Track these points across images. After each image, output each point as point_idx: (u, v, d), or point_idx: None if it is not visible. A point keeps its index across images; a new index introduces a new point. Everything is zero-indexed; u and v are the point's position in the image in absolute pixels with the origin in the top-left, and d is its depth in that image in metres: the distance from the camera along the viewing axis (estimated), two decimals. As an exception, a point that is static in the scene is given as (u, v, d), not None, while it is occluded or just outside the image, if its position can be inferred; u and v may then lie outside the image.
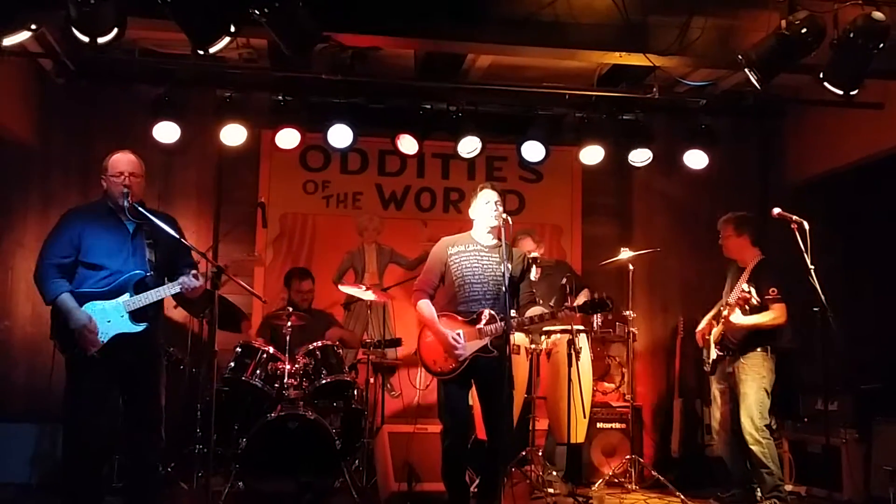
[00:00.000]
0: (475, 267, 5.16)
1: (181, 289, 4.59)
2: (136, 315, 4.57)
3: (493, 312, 5.03)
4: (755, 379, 5.84)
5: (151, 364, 4.71)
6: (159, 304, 4.71)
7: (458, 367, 5.02)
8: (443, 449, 5.14)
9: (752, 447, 5.79)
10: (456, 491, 5.16)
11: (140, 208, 4.62)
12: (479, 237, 5.27)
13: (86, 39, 4.73)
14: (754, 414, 5.79)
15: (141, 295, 4.57)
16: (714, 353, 6.11)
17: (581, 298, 6.05)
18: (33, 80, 7.00)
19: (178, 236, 4.66)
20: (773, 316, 5.83)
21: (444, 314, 5.15)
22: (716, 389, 6.16)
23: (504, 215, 5.04)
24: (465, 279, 5.14)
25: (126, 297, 4.57)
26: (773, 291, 5.84)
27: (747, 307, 5.83)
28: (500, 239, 5.07)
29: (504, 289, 4.96)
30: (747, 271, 6.06)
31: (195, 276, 4.63)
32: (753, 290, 5.82)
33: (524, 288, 5.28)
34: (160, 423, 4.74)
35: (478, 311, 5.06)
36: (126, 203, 4.60)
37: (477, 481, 5.68)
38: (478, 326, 5.02)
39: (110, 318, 4.53)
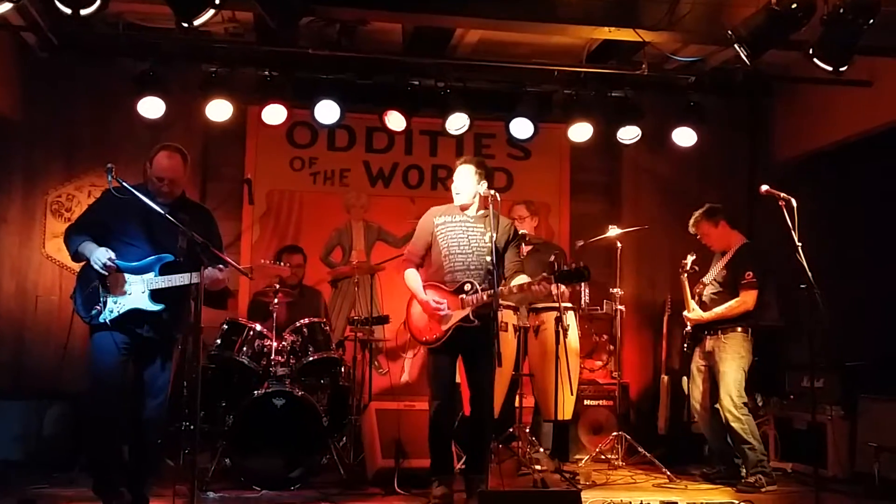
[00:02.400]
0: (460, 238, 5.21)
1: (206, 279, 4.60)
2: (155, 295, 4.67)
3: (473, 282, 5.10)
4: (734, 358, 5.93)
5: (163, 345, 4.83)
6: (184, 291, 4.73)
7: (442, 335, 5.11)
8: (429, 417, 5.23)
9: (732, 424, 5.89)
10: (440, 459, 5.24)
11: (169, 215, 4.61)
12: (461, 206, 5.31)
13: (68, 11, 4.71)
14: (733, 392, 5.89)
15: (164, 276, 4.67)
16: (688, 327, 6.25)
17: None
18: (16, 54, 6.92)
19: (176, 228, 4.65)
20: (740, 301, 5.96)
21: (430, 284, 5.23)
22: (695, 367, 6.23)
23: (492, 191, 5.06)
24: (450, 250, 5.20)
25: (151, 275, 4.68)
26: (748, 275, 5.96)
27: (700, 295, 6.13)
28: (486, 209, 5.12)
29: (490, 259, 5.02)
30: (728, 255, 6.12)
31: (220, 270, 4.71)
32: (712, 283, 6.11)
33: (510, 258, 5.29)
34: (164, 402, 4.85)
35: (461, 281, 5.13)
36: (163, 200, 4.73)
37: (465, 457, 5.71)
38: (461, 297, 5.10)
39: (131, 291, 4.65)
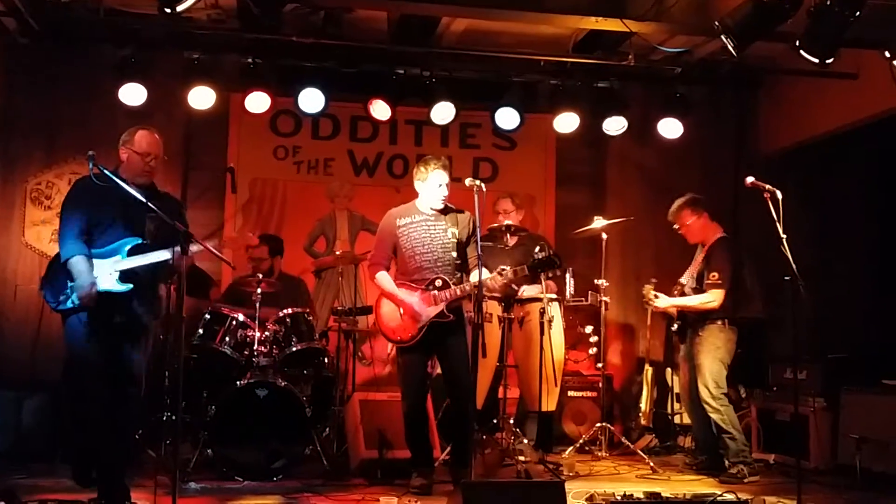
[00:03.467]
0: (424, 237, 5.30)
1: (169, 257, 4.65)
2: (123, 276, 4.68)
3: (444, 278, 5.20)
4: (710, 350, 5.98)
5: (135, 332, 4.81)
6: (153, 277, 4.80)
7: (416, 333, 5.19)
8: (403, 416, 5.33)
9: (712, 415, 5.96)
10: (419, 453, 5.34)
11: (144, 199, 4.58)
12: (424, 208, 5.37)
13: (49, -4, 4.62)
14: (710, 384, 5.94)
15: (131, 258, 4.69)
16: (675, 326, 6.28)
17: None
18: (-5, 40, 6.82)
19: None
20: (705, 300, 5.98)
21: (399, 283, 5.32)
22: (679, 358, 6.28)
23: (477, 182, 5.04)
24: (414, 250, 5.28)
25: (118, 258, 4.69)
26: (713, 276, 5.99)
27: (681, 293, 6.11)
28: (447, 206, 5.34)
29: (453, 254, 5.23)
30: (704, 249, 6.11)
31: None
32: (689, 279, 6.07)
33: (471, 252, 5.33)
34: (140, 386, 4.82)
35: (430, 278, 5.21)
36: (144, 181, 4.75)
37: (448, 448, 5.70)
38: (432, 293, 5.18)
39: (99, 275, 4.65)
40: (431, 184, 5.32)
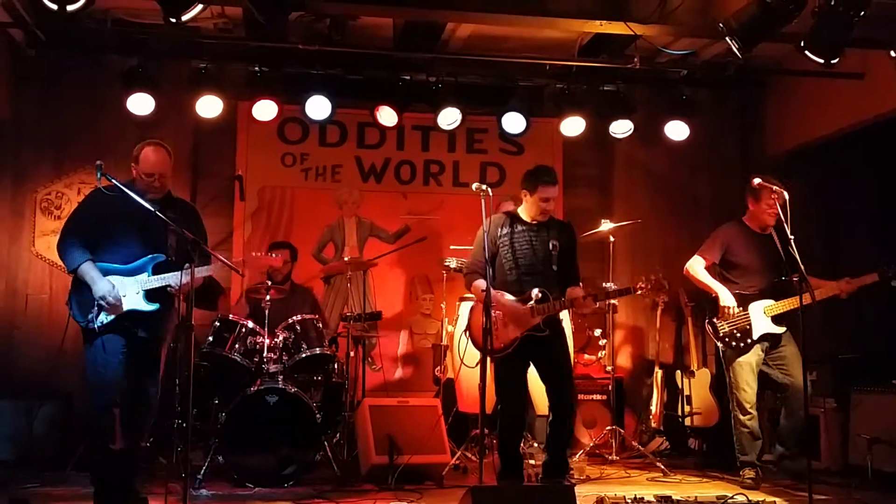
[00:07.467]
0: (525, 248, 5.24)
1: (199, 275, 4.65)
2: (150, 295, 4.70)
3: (545, 290, 5.12)
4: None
5: (155, 346, 4.85)
6: (171, 291, 4.77)
7: (509, 345, 5.10)
8: (499, 424, 5.25)
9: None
10: (511, 463, 5.26)
11: (159, 213, 4.61)
12: (527, 218, 5.32)
13: (54, 7, 4.67)
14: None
15: (158, 276, 4.69)
16: (773, 328, 5.91)
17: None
18: (3, 51, 6.86)
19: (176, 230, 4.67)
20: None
21: (498, 293, 5.18)
22: (759, 359, 5.97)
23: (483, 187, 5.03)
24: (516, 261, 5.21)
25: (144, 276, 4.69)
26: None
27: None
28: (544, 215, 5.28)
29: (554, 267, 5.17)
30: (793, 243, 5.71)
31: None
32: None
33: (571, 264, 5.33)
34: (156, 402, 4.89)
35: (528, 290, 5.14)
36: (154, 196, 4.74)
37: (458, 453, 5.70)
38: (530, 305, 5.12)
39: (126, 293, 4.66)
40: (538, 196, 5.25)
